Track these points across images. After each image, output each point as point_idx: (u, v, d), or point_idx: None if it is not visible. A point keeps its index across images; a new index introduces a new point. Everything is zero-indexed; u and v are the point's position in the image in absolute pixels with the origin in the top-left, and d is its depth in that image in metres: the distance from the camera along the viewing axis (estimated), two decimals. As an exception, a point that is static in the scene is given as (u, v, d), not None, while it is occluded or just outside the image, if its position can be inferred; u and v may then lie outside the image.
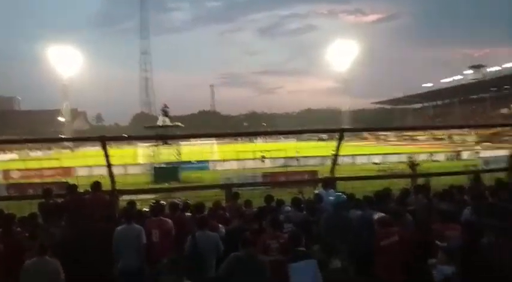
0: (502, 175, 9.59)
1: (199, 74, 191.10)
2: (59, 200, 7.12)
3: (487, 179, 9.46)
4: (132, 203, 7.15)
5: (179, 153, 30.05)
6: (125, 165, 30.13)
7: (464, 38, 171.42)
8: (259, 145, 33.95)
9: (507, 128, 46.10)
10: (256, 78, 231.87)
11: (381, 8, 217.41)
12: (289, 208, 7.21)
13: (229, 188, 9.00)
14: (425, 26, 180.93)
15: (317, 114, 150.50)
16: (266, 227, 5.85)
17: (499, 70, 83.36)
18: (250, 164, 35.12)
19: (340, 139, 8.59)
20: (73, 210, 6.77)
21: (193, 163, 34.37)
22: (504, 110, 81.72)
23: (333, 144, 9.00)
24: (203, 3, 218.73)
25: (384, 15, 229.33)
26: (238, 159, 36.26)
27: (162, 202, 6.88)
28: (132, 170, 30.35)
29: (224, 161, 37.02)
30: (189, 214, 6.79)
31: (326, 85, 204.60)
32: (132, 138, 28.04)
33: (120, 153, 26.53)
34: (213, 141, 40.56)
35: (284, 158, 36.78)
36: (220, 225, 6.41)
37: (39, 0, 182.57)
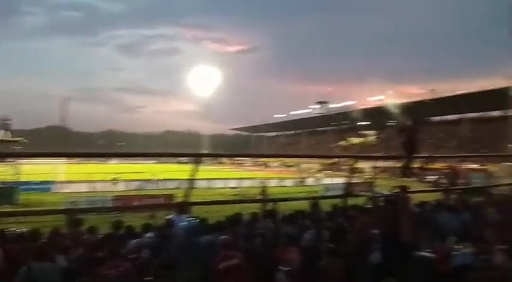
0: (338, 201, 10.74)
1: (50, 86, 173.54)
2: None
3: (327, 204, 10.51)
4: None
5: (18, 172, 26.67)
6: None
7: (314, 75, 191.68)
8: (114, 166, 32.08)
9: (344, 159, 52.21)
10: (116, 96, 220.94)
11: (243, 40, 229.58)
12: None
13: (72, 213, 8.23)
14: (282, 62, 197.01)
15: (178, 136, 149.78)
16: (109, 254, 5.48)
17: (340, 107, 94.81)
18: (100, 187, 32.93)
19: (197, 164, 8.62)
20: None
21: (34, 184, 30.80)
22: (342, 142, 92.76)
23: (191, 167, 8.99)
24: (59, 12, 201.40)
25: (246, 47, 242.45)
26: (87, 181, 33.70)
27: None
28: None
29: (71, 182, 34.02)
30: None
31: (188, 108, 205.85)
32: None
33: None
34: (59, 160, 36.99)
35: (140, 180, 35.45)
36: (59, 254, 5.79)
37: None
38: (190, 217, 7.76)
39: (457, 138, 65.94)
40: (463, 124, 67.18)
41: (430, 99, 65.98)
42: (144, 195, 26.75)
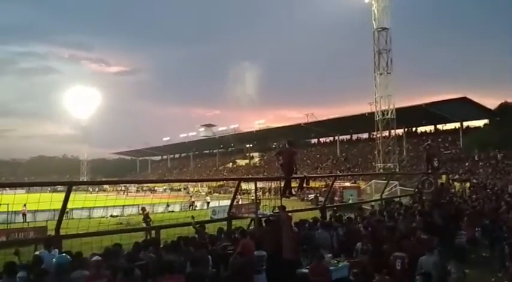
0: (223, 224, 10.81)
1: None
2: None
3: (213, 228, 10.49)
4: None
5: None
6: None
7: (198, 99, 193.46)
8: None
9: (231, 181, 53.15)
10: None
11: (124, 61, 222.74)
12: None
13: None
14: (165, 84, 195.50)
15: (52, 162, 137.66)
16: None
17: (226, 129, 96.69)
18: (-44, 222, 28.47)
19: (69, 192, 7.96)
20: None
21: None
22: (229, 164, 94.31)
23: (73, 195, 8.24)
24: None
25: (127, 69, 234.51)
26: None
27: None
28: None
29: None
30: None
31: (63, 132, 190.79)
32: None
33: None
34: None
35: (7, 212, 31.45)
36: None
37: None
38: (62, 252, 7.10)
39: (331, 158, 71.56)
40: (337, 145, 73.31)
41: (307, 123, 70.76)
42: (12, 228, 23.83)
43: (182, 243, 8.28)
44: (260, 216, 10.05)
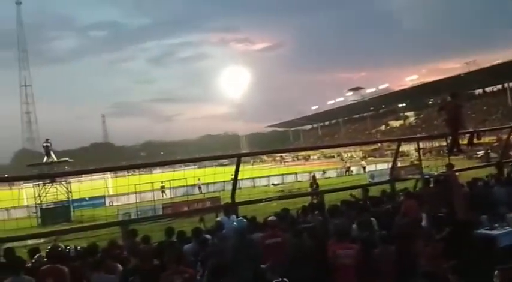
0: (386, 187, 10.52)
1: (88, 105, 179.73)
2: None
3: (374, 191, 10.33)
4: (10, 251, 6.34)
5: (69, 191, 27.82)
6: (6, 209, 26.99)
7: (342, 63, 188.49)
8: (158, 175, 32.93)
9: (386, 143, 51.14)
10: (151, 107, 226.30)
11: (267, 37, 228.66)
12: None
13: (125, 224, 8.50)
14: (307, 54, 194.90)
15: (215, 139, 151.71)
16: (169, 261, 5.61)
17: (375, 91, 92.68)
18: (149, 196, 33.80)
19: (238, 164, 8.70)
20: None
21: (86, 200, 32.03)
22: (382, 127, 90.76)
23: (232, 168, 9.07)
24: (87, 33, 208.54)
25: (271, 44, 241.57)
26: (136, 192, 34.68)
27: (63, 247, 6.24)
28: (15, 214, 27.25)
29: (120, 195, 35.13)
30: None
31: (222, 111, 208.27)
32: (11, 179, 25.30)
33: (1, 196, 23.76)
34: (107, 175, 38.30)
35: (185, 186, 36.10)
36: (118, 265, 5.99)
37: None
38: (239, 217, 7.82)
39: (501, 109, 62.93)
40: (507, 94, 64.00)
41: (468, 72, 63.20)
42: (192, 200, 27.21)
43: (344, 207, 8.35)
44: (427, 176, 9.46)
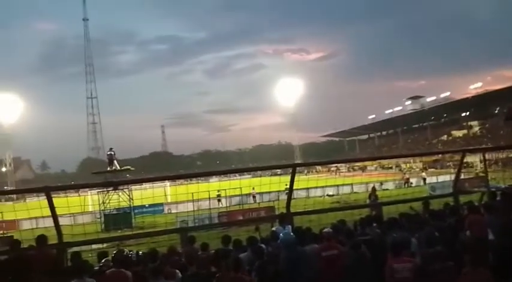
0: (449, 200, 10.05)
1: (148, 116, 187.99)
2: (2, 258, 6.62)
3: (435, 205, 9.89)
4: (76, 255, 6.76)
5: (131, 198, 29.09)
6: (73, 215, 28.66)
7: (399, 71, 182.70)
8: (214, 184, 33.65)
9: (448, 154, 48.89)
10: (207, 117, 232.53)
11: (322, 47, 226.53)
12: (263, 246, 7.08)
13: (184, 231, 8.76)
14: (363, 62, 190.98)
15: (269, 149, 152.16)
16: (227, 269, 5.71)
17: (435, 99, 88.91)
18: (205, 204, 34.55)
19: (293, 174, 8.70)
20: (17, 269, 6.29)
21: (146, 207, 33.31)
22: (443, 137, 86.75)
23: (286, 178, 9.08)
24: (148, 47, 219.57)
25: (326, 53, 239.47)
26: (193, 200, 35.59)
27: (126, 252, 6.57)
28: (80, 219, 28.86)
29: (179, 202, 36.19)
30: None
31: (276, 121, 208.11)
32: (78, 186, 26.88)
33: (67, 202, 25.27)
34: (166, 183, 39.67)
35: (239, 195, 36.58)
36: (177, 271, 6.19)
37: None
38: (293, 227, 7.79)
39: None
40: None
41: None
42: (246, 209, 27.47)
43: (404, 220, 8.07)
44: (493, 189, 8.95)
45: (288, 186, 9.04)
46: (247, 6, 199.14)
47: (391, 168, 74.45)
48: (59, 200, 8.05)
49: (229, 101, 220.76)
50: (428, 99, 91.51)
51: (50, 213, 7.34)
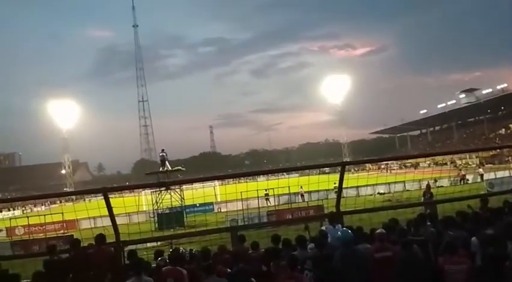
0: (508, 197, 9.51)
1: (197, 117, 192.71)
2: (64, 256, 7.03)
3: (495, 202, 9.40)
4: (133, 253, 7.04)
5: (182, 198, 29.88)
6: (128, 214, 29.84)
7: (452, 64, 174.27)
8: (262, 183, 33.90)
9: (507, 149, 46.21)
10: (254, 117, 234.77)
11: (369, 42, 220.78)
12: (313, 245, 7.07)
13: (234, 230, 8.90)
14: (412, 56, 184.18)
15: (316, 147, 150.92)
16: (282, 267, 5.70)
17: (491, 92, 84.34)
18: (254, 203, 34.81)
19: (343, 172, 8.60)
20: (78, 267, 6.65)
21: (196, 206, 34.07)
22: (501, 131, 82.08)
23: (335, 176, 8.99)
24: (196, 49, 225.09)
25: (373, 48, 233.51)
26: (242, 199, 35.98)
27: (182, 250, 6.80)
28: (135, 218, 30.03)
29: (228, 201, 36.72)
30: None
31: (323, 119, 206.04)
32: (132, 187, 27.96)
33: (123, 202, 26.37)
34: (215, 183, 40.38)
35: (288, 194, 36.49)
36: (228, 270, 6.30)
37: (34, 56, 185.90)
38: (344, 226, 7.70)
39: None
40: None
41: None
42: (295, 208, 27.39)
43: (460, 219, 7.73)
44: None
45: (336, 185, 8.94)
46: (290, 4, 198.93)
47: (445, 164, 71.33)
48: (115, 200, 8.44)
49: (275, 100, 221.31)
50: (484, 92, 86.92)
51: (107, 213, 7.72)
